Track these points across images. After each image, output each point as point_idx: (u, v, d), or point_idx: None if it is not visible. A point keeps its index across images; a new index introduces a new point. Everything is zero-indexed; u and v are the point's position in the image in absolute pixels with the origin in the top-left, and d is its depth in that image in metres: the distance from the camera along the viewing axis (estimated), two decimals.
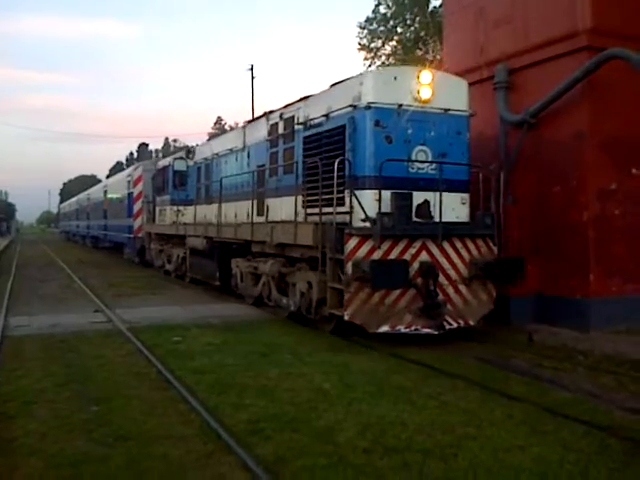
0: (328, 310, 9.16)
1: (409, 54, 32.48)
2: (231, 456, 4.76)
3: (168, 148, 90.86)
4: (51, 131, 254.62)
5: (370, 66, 33.71)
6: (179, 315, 11.77)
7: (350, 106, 9.22)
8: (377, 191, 8.67)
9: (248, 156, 13.50)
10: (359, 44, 35.21)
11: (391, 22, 34.21)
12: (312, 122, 10.37)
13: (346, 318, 8.56)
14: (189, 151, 18.58)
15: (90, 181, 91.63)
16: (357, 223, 8.88)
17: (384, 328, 8.64)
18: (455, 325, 9.06)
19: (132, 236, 24.54)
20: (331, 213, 8.99)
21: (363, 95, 9.08)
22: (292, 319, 10.78)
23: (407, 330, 8.71)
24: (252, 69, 41.36)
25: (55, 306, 13.02)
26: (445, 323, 8.84)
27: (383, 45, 34.90)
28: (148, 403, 6.11)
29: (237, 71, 79.12)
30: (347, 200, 9.02)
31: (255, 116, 15.71)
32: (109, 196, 32.40)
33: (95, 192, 40.85)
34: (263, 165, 12.48)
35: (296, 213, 10.26)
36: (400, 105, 9.10)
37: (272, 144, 12.16)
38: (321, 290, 9.30)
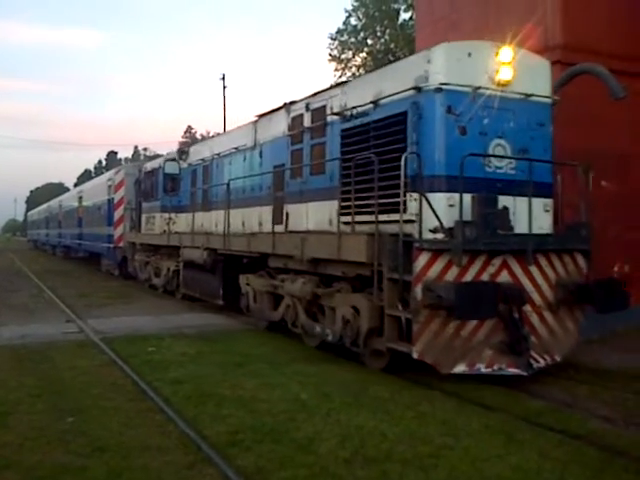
0: (386, 344, 7.42)
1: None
2: (212, 468, 4.74)
3: (138, 157, 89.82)
4: (17, 138, 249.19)
5: (340, 77, 34.06)
6: (152, 325, 11.65)
7: (413, 89, 7.53)
8: (450, 194, 7.14)
9: (260, 155, 11.64)
10: (330, 55, 35.62)
11: (362, 34, 34.68)
12: (353, 111, 8.61)
13: (415, 356, 6.89)
14: (182, 152, 16.68)
15: (58, 189, 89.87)
16: (424, 234, 7.18)
17: (460, 368, 7.08)
18: (542, 363, 7.50)
19: (112, 246, 22.39)
20: (387, 221, 7.48)
21: (432, 75, 7.39)
22: (322, 349, 9.18)
23: (488, 370, 7.16)
24: (224, 78, 41.44)
25: (25, 316, 12.75)
26: (532, 360, 7.30)
27: (354, 56, 35.35)
28: (125, 414, 6.05)
29: (208, 80, 78.75)
30: (411, 205, 7.32)
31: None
32: (85, 203, 30.14)
33: (68, 199, 38.61)
34: (282, 165, 10.63)
35: (335, 222, 8.62)
36: (477, 88, 7.48)
37: (294, 140, 10.31)
38: (373, 318, 7.64)
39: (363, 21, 34.41)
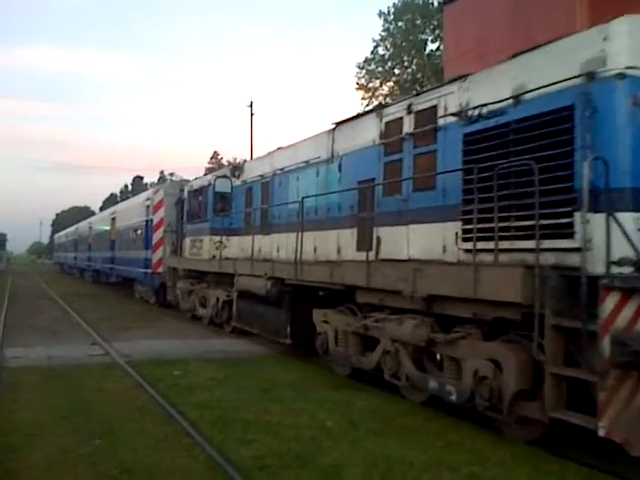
0: (549, 413, 5.57)
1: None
2: None
3: (164, 182, 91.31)
4: (42, 161, 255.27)
5: (367, 106, 34.43)
6: (178, 349, 11.72)
7: (582, 76, 5.79)
8: (639, 214, 5.50)
9: (339, 169, 9.90)
10: (357, 84, 36.11)
11: (389, 63, 35.14)
12: (481, 111, 6.99)
13: (601, 433, 5.07)
14: (235, 168, 15.26)
15: (83, 212, 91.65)
16: (597, 267, 5.40)
17: None
18: None
19: (149, 271, 20.41)
20: (547, 249, 5.81)
21: (611, 56, 5.65)
22: (431, 405, 7.49)
23: None
24: (251, 105, 42.04)
25: (49, 337, 12.94)
26: None
27: (381, 85, 35.78)
28: (152, 437, 6.09)
29: (235, 107, 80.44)
30: (583, 228, 5.50)
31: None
32: (119, 225, 28.34)
33: (99, 220, 37.15)
34: (370, 180, 8.88)
35: (451, 249, 7.18)
36: None
37: (389, 149, 8.59)
38: (524, 376, 5.93)
39: (390, 51, 34.90)
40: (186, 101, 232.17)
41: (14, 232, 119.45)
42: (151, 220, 20.93)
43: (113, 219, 29.83)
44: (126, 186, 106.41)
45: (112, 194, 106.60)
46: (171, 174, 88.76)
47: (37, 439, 6.00)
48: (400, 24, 34.34)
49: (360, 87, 35.83)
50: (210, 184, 15.39)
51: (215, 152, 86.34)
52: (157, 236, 20.29)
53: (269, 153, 13.28)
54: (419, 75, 33.55)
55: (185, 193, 18.05)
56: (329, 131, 10.42)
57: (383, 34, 34.84)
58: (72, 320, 16.59)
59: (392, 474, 5.17)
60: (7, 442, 5.88)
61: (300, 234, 10.12)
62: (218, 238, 14.61)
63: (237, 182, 14.57)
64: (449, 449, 5.86)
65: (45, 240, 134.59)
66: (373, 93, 35.37)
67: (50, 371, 9.39)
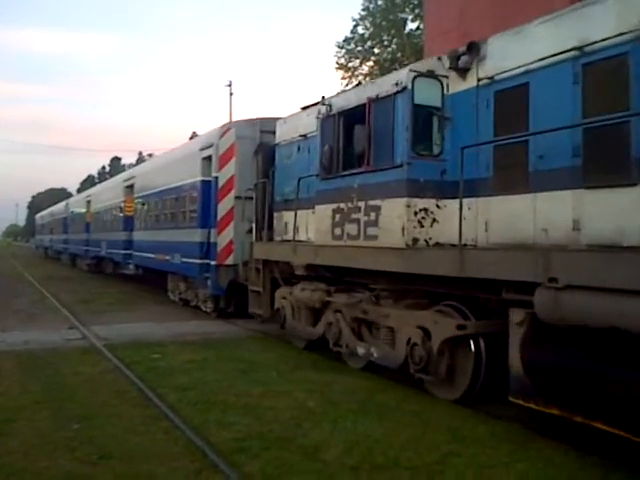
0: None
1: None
2: (219, 474, 4.73)
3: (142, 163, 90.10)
4: (17, 142, 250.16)
5: (347, 85, 34.23)
6: (157, 332, 11.65)
7: None
8: None
9: None
10: (337, 63, 35.82)
11: (369, 43, 34.88)
12: None
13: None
14: (465, 53, 7.07)
15: (60, 194, 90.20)
16: None
17: None
18: None
19: (212, 263, 13.07)
20: None
21: None
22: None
23: None
24: (230, 85, 41.56)
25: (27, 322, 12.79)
26: None
27: (361, 65, 35.54)
28: (130, 421, 6.04)
29: (214, 86, 79.11)
30: None
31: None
32: (141, 192, 19.60)
33: (102, 191, 28.26)
34: None
35: None
36: None
37: None
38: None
39: (370, 30, 34.62)
40: (164, 82, 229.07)
41: None
42: (213, 180, 13.30)
43: (129, 187, 21.59)
44: (103, 167, 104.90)
45: (90, 175, 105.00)
46: (149, 155, 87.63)
47: (14, 425, 5.92)
48: (380, 3, 34.05)
49: (340, 66, 35.56)
50: (399, 91, 7.35)
51: (194, 133, 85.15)
52: (225, 206, 12.87)
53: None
54: (399, 54, 33.37)
55: (278, 135, 10.90)
56: None
57: (363, 13, 34.56)
58: (49, 304, 16.39)
59: (372, 453, 5.20)
60: None
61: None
62: (424, 202, 7.20)
63: (461, 84, 7.21)
64: (427, 428, 5.90)
65: (22, 223, 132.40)
66: (353, 72, 35.16)
67: (27, 355, 9.27)
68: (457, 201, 6.65)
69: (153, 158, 23.84)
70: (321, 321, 9.21)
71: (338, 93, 10.41)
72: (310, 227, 9.50)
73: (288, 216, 10.19)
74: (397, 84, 7.39)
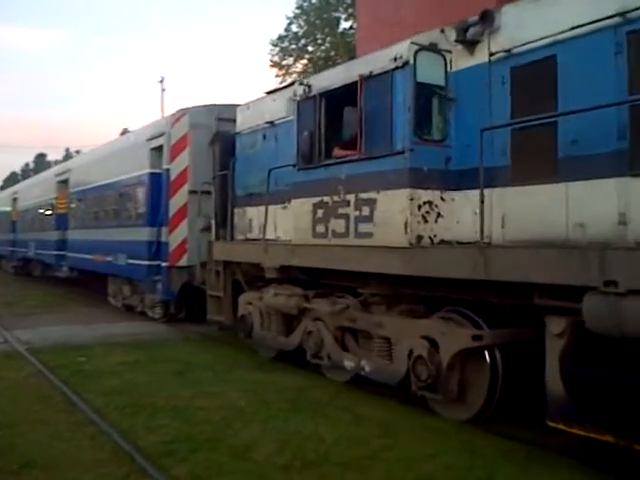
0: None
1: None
2: (146, 479, 4.64)
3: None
4: None
5: (281, 83, 34.20)
6: (84, 334, 11.30)
7: None
8: None
9: None
10: (271, 61, 35.67)
11: (302, 41, 34.91)
12: None
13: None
14: (486, 17, 6.07)
15: None
16: None
17: None
18: None
19: (163, 265, 12.02)
20: None
21: None
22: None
23: None
24: (162, 81, 40.76)
25: None
26: None
27: (294, 63, 35.52)
28: (55, 427, 5.84)
29: (145, 83, 77.23)
30: None
31: None
32: (78, 186, 18.06)
33: (33, 186, 25.69)
34: None
35: None
36: None
37: None
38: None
39: (304, 28, 34.67)
40: (93, 77, 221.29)
41: None
42: (164, 173, 12.19)
43: (63, 182, 19.79)
44: (27, 164, 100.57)
45: (13, 173, 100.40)
46: (77, 152, 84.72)
47: None
48: (314, 1, 34.16)
49: (274, 64, 35.44)
50: (398, 66, 6.42)
51: (125, 129, 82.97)
52: (177, 202, 11.85)
53: None
54: (332, 53, 33.57)
55: (240, 122, 9.94)
56: None
57: (297, 11, 34.57)
58: None
59: (303, 450, 5.21)
60: None
61: None
62: (428, 195, 6.31)
63: (468, 59, 6.38)
64: (359, 423, 5.98)
65: None
66: (287, 70, 35.11)
67: None
68: (463, 193, 6.15)
69: (92, 150, 20.14)
70: (297, 330, 8.21)
71: (318, 73, 9.40)
72: (280, 224, 8.56)
73: (252, 212, 9.34)
74: (396, 59, 6.43)
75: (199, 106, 12.25)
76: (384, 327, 6.76)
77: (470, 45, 6.27)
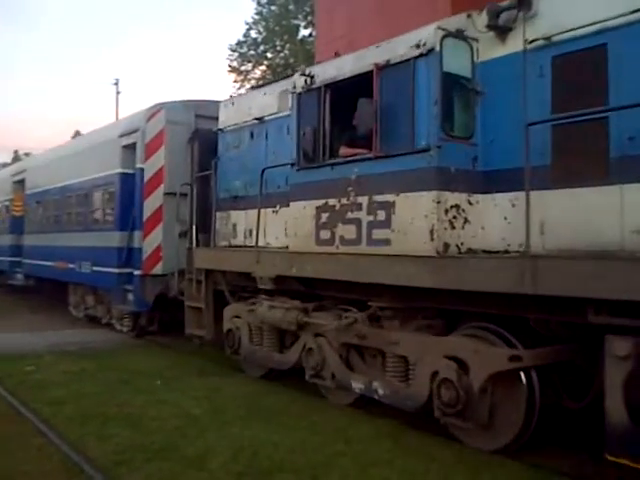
0: None
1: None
2: None
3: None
4: None
5: (239, 89, 34.04)
6: (31, 342, 10.93)
7: None
8: None
9: None
10: (229, 66, 35.50)
11: (261, 47, 34.90)
12: None
13: None
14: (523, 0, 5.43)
15: None
16: None
17: None
18: None
19: (136, 273, 10.98)
20: None
21: None
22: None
23: None
24: (117, 83, 40.02)
25: None
26: None
27: (253, 69, 35.46)
28: (0, 439, 5.61)
29: (98, 85, 75.71)
30: None
31: None
32: (34, 187, 16.98)
33: None
34: None
35: None
36: None
37: None
38: None
39: (263, 34, 34.63)
40: (43, 78, 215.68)
41: None
42: (137, 173, 11.23)
43: (18, 182, 18.49)
44: None
45: None
46: (26, 154, 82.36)
47: None
48: (273, 8, 34.18)
49: (232, 69, 35.25)
50: (422, 53, 5.73)
51: (77, 132, 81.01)
52: (152, 204, 10.88)
53: None
54: (292, 60, 33.62)
55: (223, 119, 9.16)
56: None
57: (256, 17, 34.52)
58: None
59: (258, 458, 5.16)
60: None
61: None
62: (455, 198, 5.66)
63: (498, 48, 5.74)
64: (313, 430, 5.95)
65: None
66: (245, 76, 34.96)
67: None
68: (490, 197, 5.58)
69: (52, 148, 18.53)
70: (294, 347, 7.40)
71: (323, 62, 7.47)
72: (270, 230, 7.87)
73: (237, 216, 8.57)
74: (419, 46, 5.69)
75: (177, 101, 11.44)
76: (400, 345, 6.01)
77: (502, 32, 5.58)
